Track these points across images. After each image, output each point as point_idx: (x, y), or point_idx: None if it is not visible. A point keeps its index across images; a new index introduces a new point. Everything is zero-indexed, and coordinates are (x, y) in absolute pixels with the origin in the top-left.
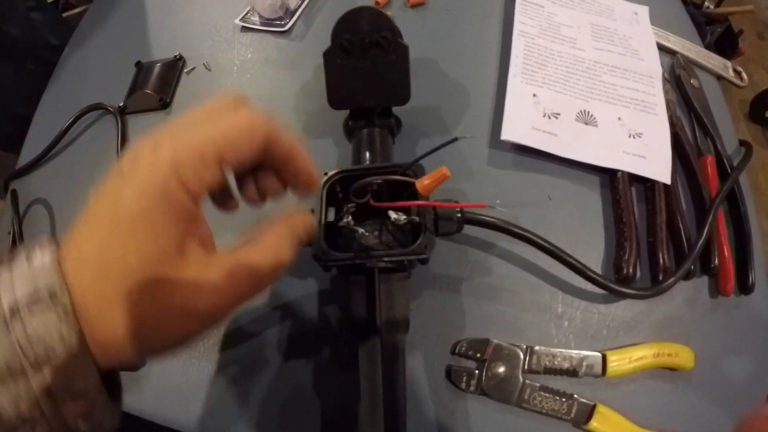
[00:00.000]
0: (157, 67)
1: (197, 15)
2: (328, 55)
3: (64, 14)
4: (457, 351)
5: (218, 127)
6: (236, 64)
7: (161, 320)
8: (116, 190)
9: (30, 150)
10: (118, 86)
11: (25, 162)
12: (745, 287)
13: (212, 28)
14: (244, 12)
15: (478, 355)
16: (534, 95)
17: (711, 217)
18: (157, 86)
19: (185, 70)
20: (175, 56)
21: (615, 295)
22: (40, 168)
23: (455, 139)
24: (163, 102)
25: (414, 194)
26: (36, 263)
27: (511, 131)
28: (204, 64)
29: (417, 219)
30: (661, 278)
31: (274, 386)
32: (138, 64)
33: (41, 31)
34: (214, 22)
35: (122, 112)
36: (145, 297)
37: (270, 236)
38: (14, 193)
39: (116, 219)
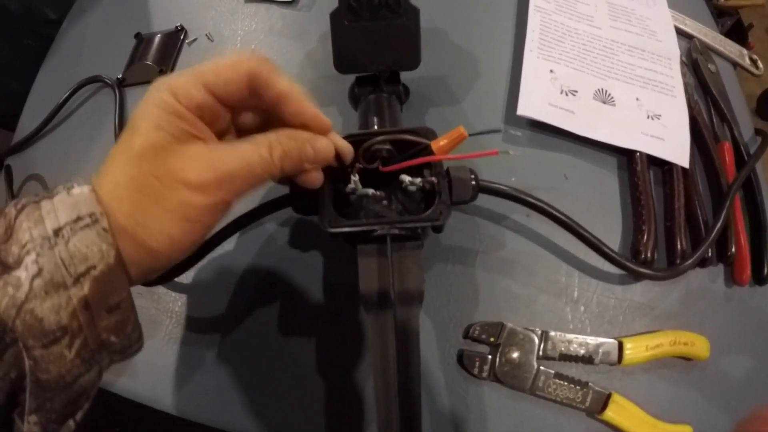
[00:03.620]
0: (158, 39)
1: None
2: (335, 17)
3: None
4: (469, 335)
5: (207, 64)
6: (240, 35)
7: (162, 190)
8: (130, 123)
9: (26, 125)
10: (117, 59)
11: (20, 137)
12: (760, 278)
13: None
14: None
15: (492, 339)
16: (551, 71)
17: (729, 202)
18: (157, 58)
19: (187, 41)
20: (177, 27)
21: (631, 275)
22: (36, 143)
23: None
24: (163, 73)
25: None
26: (75, 192)
27: (528, 107)
28: (206, 34)
29: (434, 180)
30: (678, 263)
31: (276, 368)
32: (138, 35)
33: (39, 5)
34: None
35: (121, 85)
36: (149, 170)
37: (263, 142)
38: (9, 169)
39: (131, 136)
